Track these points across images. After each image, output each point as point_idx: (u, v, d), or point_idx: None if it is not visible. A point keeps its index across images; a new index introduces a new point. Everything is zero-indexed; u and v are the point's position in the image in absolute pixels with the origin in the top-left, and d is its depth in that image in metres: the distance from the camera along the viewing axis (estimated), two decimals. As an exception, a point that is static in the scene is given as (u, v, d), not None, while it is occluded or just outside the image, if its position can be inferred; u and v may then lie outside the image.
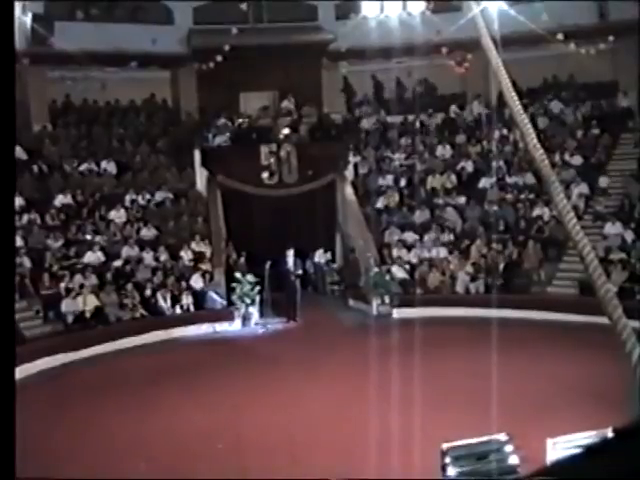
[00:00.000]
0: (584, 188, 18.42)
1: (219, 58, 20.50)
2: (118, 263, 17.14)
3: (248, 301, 16.54)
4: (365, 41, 19.57)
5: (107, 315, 15.76)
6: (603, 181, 18.51)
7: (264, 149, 19.58)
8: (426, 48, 19.39)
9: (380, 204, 19.85)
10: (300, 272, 17.47)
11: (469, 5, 8.30)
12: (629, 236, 16.52)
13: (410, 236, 18.70)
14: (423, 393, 9.78)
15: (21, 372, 11.82)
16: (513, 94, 6.18)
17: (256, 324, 16.67)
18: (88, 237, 17.57)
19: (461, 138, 21.46)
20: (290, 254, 17.28)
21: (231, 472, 8.42)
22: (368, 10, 19.91)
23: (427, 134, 21.43)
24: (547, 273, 16.75)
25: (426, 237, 18.41)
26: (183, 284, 16.91)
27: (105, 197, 19.01)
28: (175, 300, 16.56)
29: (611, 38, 20.18)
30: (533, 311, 15.47)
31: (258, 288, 16.61)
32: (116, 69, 20.53)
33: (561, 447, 6.70)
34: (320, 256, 19.75)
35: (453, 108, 22.24)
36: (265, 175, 19.54)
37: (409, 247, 18.37)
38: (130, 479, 8.41)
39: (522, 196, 18.81)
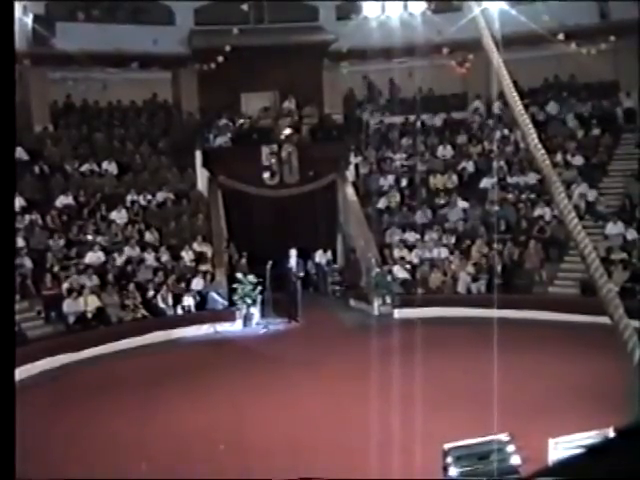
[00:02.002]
0: (585, 188, 18.40)
1: (220, 59, 20.49)
2: (119, 263, 17.16)
3: (249, 301, 16.55)
4: (366, 41, 19.54)
5: (108, 316, 15.77)
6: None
7: (265, 150, 19.58)
8: (427, 48, 19.36)
9: (381, 204, 19.84)
10: (301, 272, 17.46)
11: (470, 5, 8.32)
12: (630, 236, 16.51)
13: (411, 236, 18.69)
14: (424, 393, 9.79)
15: (22, 373, 11.83)
16: (514, 94, 6.19)
17: (257, 324, 16.68)
18: (89, 237, 17.57)
19: (462, 138, 21.46)
20: (292, 254, 17.28)
21: (232, 472, 8.42)
22: (369, 10, 19.85)
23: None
24: (548, 273, 16.74)
25: (427, 237, 18.41)
26: (184, 285, 16.93)
27: (106, 197, 19.00)
28: (176, 301, 16.58)
29: (612, 38, 20.15)
30: (534, 311, 15.44)
31: (259, 288, 16.61)
32: (117, 70, 20.52)
33: (563, 447, 6.70)
34: (321, 256, 19.75)
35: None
36: (266, 175, 19.55)
37: (410, 247, 18.36)
38: (131, 479, 8.42)
39: (523, 196, 18.78)
